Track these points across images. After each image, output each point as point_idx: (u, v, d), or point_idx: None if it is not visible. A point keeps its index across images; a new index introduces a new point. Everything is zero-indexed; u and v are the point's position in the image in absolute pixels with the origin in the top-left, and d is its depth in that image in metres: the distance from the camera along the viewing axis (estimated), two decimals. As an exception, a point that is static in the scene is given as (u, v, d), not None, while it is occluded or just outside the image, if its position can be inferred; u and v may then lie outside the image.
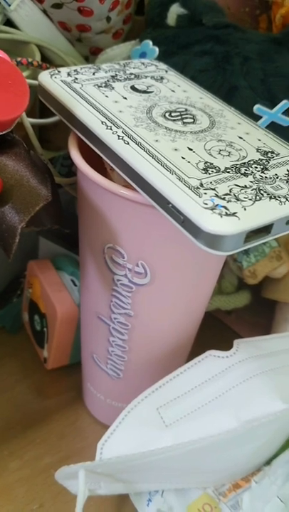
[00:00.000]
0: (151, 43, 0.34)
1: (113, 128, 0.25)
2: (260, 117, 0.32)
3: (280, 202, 0.22)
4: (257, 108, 0.32)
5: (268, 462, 0.35)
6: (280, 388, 0.30)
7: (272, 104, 0.33)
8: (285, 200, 0.23)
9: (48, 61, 0.37)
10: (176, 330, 0.33)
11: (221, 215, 0.21)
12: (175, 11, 0.35)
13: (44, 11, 0.35)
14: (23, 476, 0.35)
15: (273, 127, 0.33)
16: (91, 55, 0.38)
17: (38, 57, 0.35)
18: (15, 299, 0.44)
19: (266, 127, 0.32)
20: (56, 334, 0.38)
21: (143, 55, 0.35)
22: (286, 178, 0.24)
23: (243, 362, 0.32)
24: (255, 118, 0.32)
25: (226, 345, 0.33)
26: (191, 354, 0.35)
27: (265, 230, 0.22)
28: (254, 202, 0.22)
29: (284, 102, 0.32)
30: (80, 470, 0.30)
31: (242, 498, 0.34)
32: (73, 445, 0.38)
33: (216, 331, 0.46)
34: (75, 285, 0.40)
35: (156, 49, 0.34)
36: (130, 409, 0.31)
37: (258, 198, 0.22)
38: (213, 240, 0.21)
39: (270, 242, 0.40)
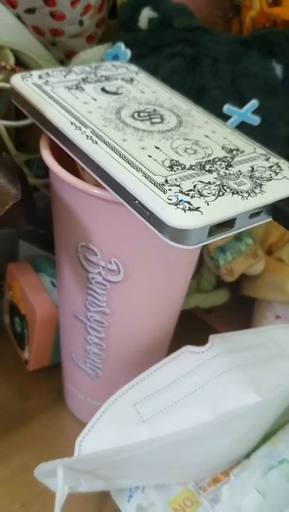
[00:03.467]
0: (123, 45, 0.35)
1: (82, 128, 0.26)
2: (230, 117, 0.33)
3: (243, 197, 0.23)
4: (226, 108, 0.33)
5: (247, 456, 0.36)
6: (254, 381, 0.31)
7: (241, 104, 0.33)
8: (247, 195, 0.23)
9: (24, 65, 0.38)
10: (152, 326, 0.33)
11: (184, 210, 0.22)
12: (146, 14, 0.36)
13: (17, 16, 0.35)
14: (5, 476, 0.36)
15: (243, 127, 0.33)
16: (66, 58, 0.39)
17: (11, 61, 0.36)
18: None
19: (236, 127, 0.33)
20: (36, 335, 0.39)
21: (116, 57, 0.35)
22: (249, 174, 0.25)
23: (218, 356, 0.32)
24: (226, 118, 0.33)
25: (205, 344, 0.33)
26: (171, 351, 0.35)
27: (229, 224, 0.23)
28: (217, 197, 0.23)
29: (252, 101, 0.33)
30: (59, 467, 0.30)
31: (221, 492, 0.34)
32: (55, 445, 0.38)
33: (196, 330, 0.47)
34: (55, 286, 0.40)
35: (128, 52, 0.35)
36: (108, 406, 0.32)
37: (221, 193, 0.23)
38: (177, 234, 0.22)
39: (246, 240, 0.41)
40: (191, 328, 0.43)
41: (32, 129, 0.37)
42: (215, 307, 0.46)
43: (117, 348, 0.33)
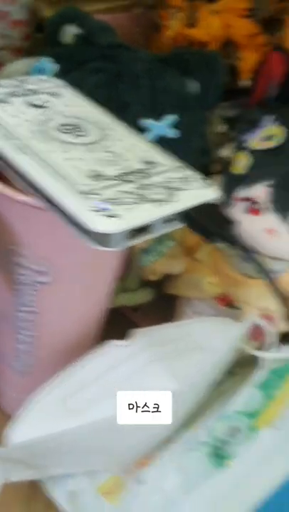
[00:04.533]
0: (49, 60, 0.37)
1: (10, 139, 0.28)
2: (150, 130, 0.36)
3: (158, 205, 0.26)
4: (146, 122, 0.36)
5: (171, 440, 0.39)
6: (173, 372, 0.34)
7: (160, 119, 0.36)
8: (162, 203, 0.26)
9: None
10: (81, 324, 0.36)
11: (105, 216, 0.24)
12: (71, 30, 0.38)
13: None
14: None
15: (162, 140, 0.36)
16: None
17: None
18: None
19: (156, 140, 0.36)
20: None
21: (41, 71, 0.37)
22: (165, 184, 0.28)
23: (141, 350, 0.35)
24: (145, 131, 0.36)
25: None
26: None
27: (146, 229, 0.26)
28: (135, 205, 0.26)
29: (170, 116, 0.36)
30: (-11, 458, 0.31)
31: (145, 474, 0.37)
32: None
33: (123, 326, 0.49)
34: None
35: (54, 66, 0.37)
36: (35, 398, 0.33)
37: (138, 201, 0.26)
38: (100, 238, 0.25)
39: (167, 242, 0.44)
40: (118, 325, 0.46)
41: None
42: (140, 305, 0.49)
43: (47, 346, 0.35)
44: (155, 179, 0.28)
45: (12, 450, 0.32)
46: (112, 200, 0.25)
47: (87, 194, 0.25)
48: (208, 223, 0.27)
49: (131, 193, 0.26)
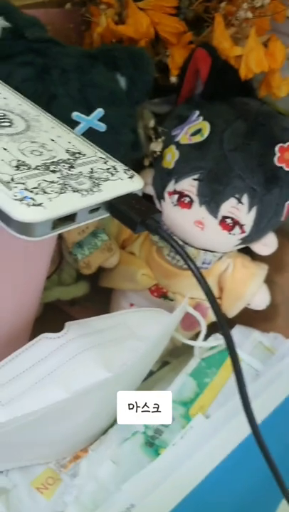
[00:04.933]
0: (-25, 52, 0.37)
1: None
2: (79, 123, 0.37)
3: (82, 194, 0.26)
4: (75, 115, 0.36)
5: (105, 432, 0.39)
6: (105, 360, 0.35)
7: (88, 112, 0.37)
8: (86, 193, 0.27)
9: None
10: (11, 318, 0.35)
11: (28, 205, 0.25)
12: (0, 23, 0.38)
13: None
14: None
15: (91, 133, 0.37)
16: None
17: None
18: None
19: (85, 133, 0.37)
20: None
21: None
22: (89, 175, 0.28)
23: (73, 340, 0.35)
24: (75, 125, 0.36)
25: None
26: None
27: (71, 218, 0.26)
28: (59, 194, 0.26)
29: (98, 110, 0.37)
30: None
31: (80, 466, 0.37)
32: None
33: (60, 322, 0.50)
34: None
35: (-19, 59, 0.37)
36: None
37: (62, 191, 0.26)
38: (23, 227, 0.25)
39: (101, 236, 0.44)
40: (54, 320, 0.46)
41: None
42: (77, 299, 0.49)
43: (-23, 340, 0.35)
44: (80, 169, 0.28)
45: None
46: (36, 190, 0.26)
47: (9, 183, 0.25)
48: (132, 213, 0.28)
49: (55, 182, 0.26)
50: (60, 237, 0.42)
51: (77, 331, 0.36)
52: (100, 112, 0.37)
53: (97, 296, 0.50)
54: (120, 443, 0.38)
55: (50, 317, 0.45)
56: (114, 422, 0.39)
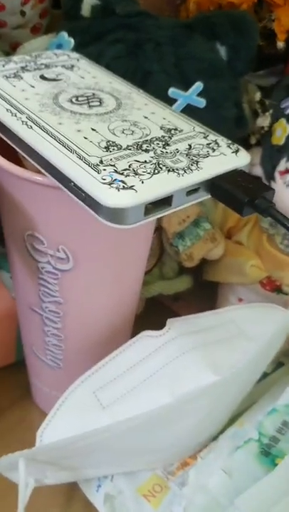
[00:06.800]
0: (66, 34, 0.35)
1: (18, 115, 0.26)
2: (176, 101, 0.33)
3: (178, 174, 0.23)
4: (171, 91, 0.33)
5: (215, 438, 0.36)
6: (212, 361, 0.31)
7: (186, 87, 0.33)
8: (183, 172, 0.23)
9: None
10: (109, 314, 0.33)
11: (118, 189, 0.22)
12: (89, 2, 0.36)
13: None
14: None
15: (190, 110, 0.33)
16: (11, 50, 0.39)
17: None
18: None
19: (183, 110, 0.33)
20: (-3, 331, 0.38)
21: (59, 46, 0.35)
22: (186, 152, 0.25)
23: (175, 339, 0.32)
24: (172, 102, 0.33)
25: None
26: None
27: (166, 202, 0.23)
28: (152, 175, 0.23)
29: (197, 83, 0.33)
30: (20, 459, 0.30)
31: (188, 475, 0.34)
32: (23, 440, 0.38)
33: (163, 317, 0.47)
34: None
35: (72, 40, 0.35)
36: (67, 395, 0.31)
37: (156, 171, 0.23)
38: (113, 214, 0.22)
39: (204, 225, 0.41)
40: (158, 316, 0.43)
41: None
42: (181, 294, 0.46)
43: (75, 338, 0.33)
44: (176, 146, 0.25)
45: (43, 451, 0.30)
46: (127, 171, 0.23)
47: (98, 166, 0.23)
48: (237, 192, 0.24)
49: (148, 162, 0.23)
50: (160, 227, 0.39)
51: (180, 329, 0.33)
52: (198, 86, 0.33)
53: (202, 291, 0.47)
54: (232, 452, 0.34)
55: (153, 313, 0.42)
56: (225, 428, 0.36)
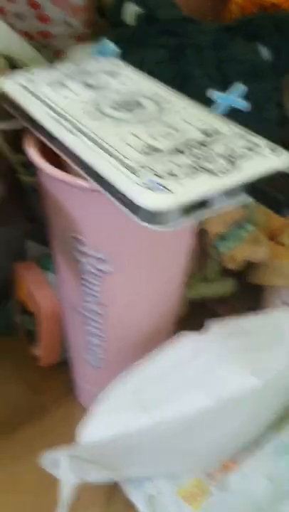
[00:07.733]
0: (109, 42, 0.36)
1: (61, 121, 0.27)
2: (218, 103, 0.33)
3: (217, 176, 0.23)
4: (211, 93, 0.33)
5: (257, 442, 0.36)
6: (252, 365, 0.31)
7: (228, 90, 0.33)
8: (221, 174, 0.23)
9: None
10: (150, 315, 0.33)
11: (156, 191, 0.22)
12: (131, 10, 0.37)
13: (6, 22, 0.37)
14: (17, 471, 0.36)
15: (233, 113, 0.33)
16: (56, 58, 0.40)
17: (4, 66, 0.37)
18: (6, 303, 0.45)
19: (226, 113, 0.33)
20: (43, 331, 0.39)
21: (102, 53, 0.36)
22: (225, 154, 0.25)
23: (215, 341, 0.32)
24: (212, 104, 0.33)
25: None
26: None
27: (205, 204, 0.23)
28: (190, 177, 0.23)
29: (237, 84, 0.33)
30: (62, 456, 0.30)
31: (230, 480, 0.34)
32: (68, 438, 0.39)
33: (206, 320, 0.47)
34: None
35: (115, 47, 0.36)
36: (107, 394, 0.32)
37: (194, 173, 0.23)
38: (152, 216, 0.22)
39: (246, 226, 0.41)
40: (201, 319, 0.43)
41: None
42: (225, 297, 0.45)
43: (117, 338, 0.34)
44: (215, 149, 0.25)
45: (85, 449, 0.30)
46: (165, 174, 0.23)
47: (137, 169, 0.23)
48: (278, 194, 0.23)
49: (187, 165, 0.24)
50: (202, 229, 0.39)
51: (220, 331, 0.33)
52: (239, 87, 0.33)
53: (246, 294, 0.46)
54: (275, 458, 0.34)
55: (197, 315, 0.42)
56: (267, 433, 0.35)
